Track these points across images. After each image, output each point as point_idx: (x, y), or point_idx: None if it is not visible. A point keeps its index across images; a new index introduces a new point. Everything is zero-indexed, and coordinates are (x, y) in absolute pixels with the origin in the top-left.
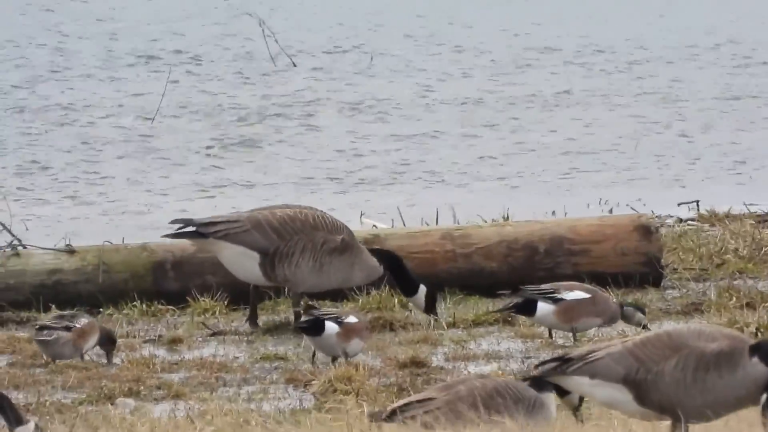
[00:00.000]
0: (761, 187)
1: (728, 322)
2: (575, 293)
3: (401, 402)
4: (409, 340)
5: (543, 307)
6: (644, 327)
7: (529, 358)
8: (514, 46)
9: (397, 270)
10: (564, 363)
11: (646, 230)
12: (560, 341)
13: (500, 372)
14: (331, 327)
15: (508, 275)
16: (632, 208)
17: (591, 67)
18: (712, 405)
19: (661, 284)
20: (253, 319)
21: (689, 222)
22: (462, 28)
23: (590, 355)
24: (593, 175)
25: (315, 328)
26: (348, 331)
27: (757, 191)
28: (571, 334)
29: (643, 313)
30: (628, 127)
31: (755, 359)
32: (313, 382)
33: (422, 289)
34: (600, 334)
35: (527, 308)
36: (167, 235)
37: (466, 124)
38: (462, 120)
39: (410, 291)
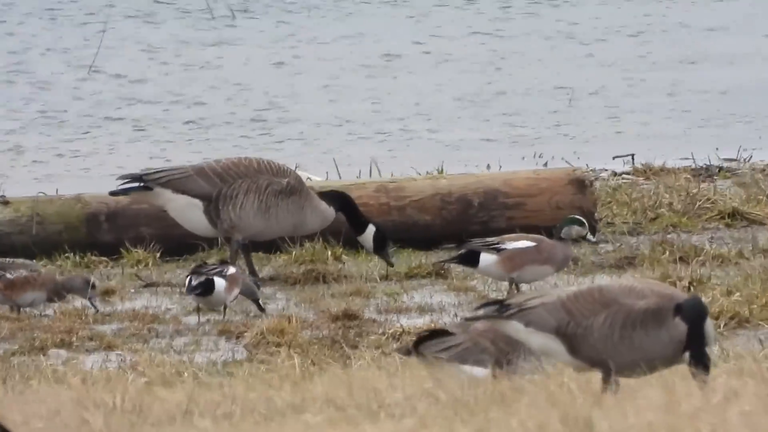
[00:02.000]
0: (696, 140)
1: (661, 276)
2: (519, 243)
3: (423, 333)
4: (342, 292)
5: (486, 258)
6: (585, 238)
7: (462, 311)
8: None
9: (347, 208)
10: (502, 308)
11: (581, 184)
12: (494, 294)
13: (433, 325)
14: (220, 283)
15: (442, 228)
16: (567, 162)
17: (527, 17)
18: (640, 361)
19: (595, 238)
20: (252, 271)
21: (624, 176)
22: None
23: (526, 303)
24: (528, 129)
25: (207, 288)
26: (231, 282)
27: (691, 144)
28: (507, 288)
29: (579, 224)
30: (562, 79)
31: (677, 319)
32: (246, 334)
33: (371, 228)
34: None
35: (470, 259)
36: (114, 192)
37: (402, 76)
38: (396, 73)
39: (359, 229)
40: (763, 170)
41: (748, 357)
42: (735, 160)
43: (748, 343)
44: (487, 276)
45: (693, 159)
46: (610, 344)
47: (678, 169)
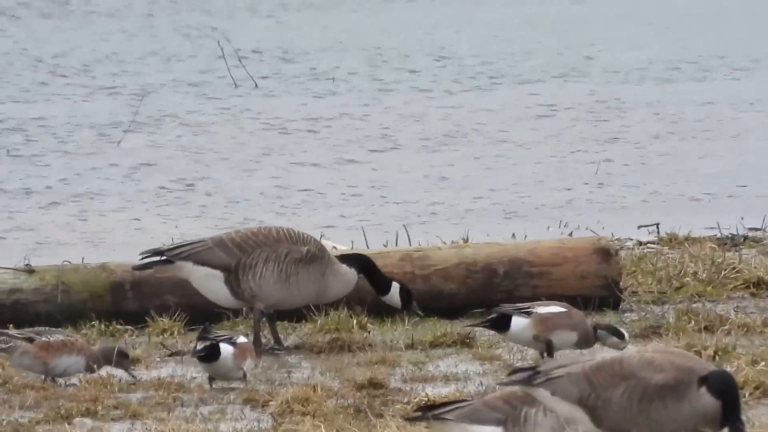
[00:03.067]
0: (721, 210)
1: (686, 346)
2: (550, 307)
3: (434, 404)
4: (367, 361)
5: (518, 322)
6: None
7: (487, 379)
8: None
9: (369, 270)
10: (532, 375)
11: (606, 253)
12: (519, 363)
13: (458, 394)
14: (226, 349)
15: (467, 297)
16: (592, 231)
17: (548, 86)
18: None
19: (620, 307)
20: (277, 340)
21: (649, 245)
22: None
23: (553, 371)
24: (553, 198)
25: (212, 353)
26: (242, 351)
27: (717, 214)
28: (534, 356)
29: (619, 336)
30: (588, 149)
31: (702, 390)
32: (271, 403)
33: (395, 286)
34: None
35: (501, 323)
36: (137, 267)
37: (425, 144)
38: (421, 140)
39: (383, 289)
40: None
41: None
42: (760, 229)
43: None
44: (517, 341)
45: (719, 228)
46: (629, 417)
47: (703, 238)
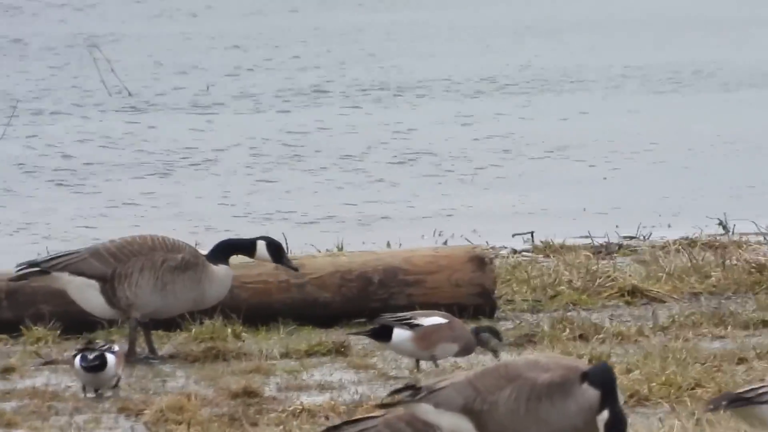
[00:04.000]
0: (595, 218)
1: (561, 354)
2: (432, 319)
3: (339, 422)
4: (242, 370)
5: (399, 333)
6: (495, 353)
7: (362, 388)
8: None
9: (235, 247)
10: (415, 391)
11: (481, 261)
12: (394, 372)
13: (333, 403)
14: (110, 359)
15: (342, 306)
16: (467, 240)
17: (431, 95)
18: None
19: (495, 315)
20: (152, 349)
21: (524, 253)
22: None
23: (436, 384)
24: (428, 206)
25: (101, 364)
26: (119, 358)
27: (591, 223)
28: (409, 366)
29: (499, 338)
30: (462, 159)
31: (585, 385)
32: (145, 412)
33: (260, 243)
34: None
35: (383, 334)
36: (13, 278)
37: (299, 153)
38: (295, 149)
39: (251, 251)
40: (663, 247)
41: None
42: (635, 237)
43: (647, 421)
44: (398, 352)
45: (591, 237)
46: (517, 418)
47: (578, 246)
